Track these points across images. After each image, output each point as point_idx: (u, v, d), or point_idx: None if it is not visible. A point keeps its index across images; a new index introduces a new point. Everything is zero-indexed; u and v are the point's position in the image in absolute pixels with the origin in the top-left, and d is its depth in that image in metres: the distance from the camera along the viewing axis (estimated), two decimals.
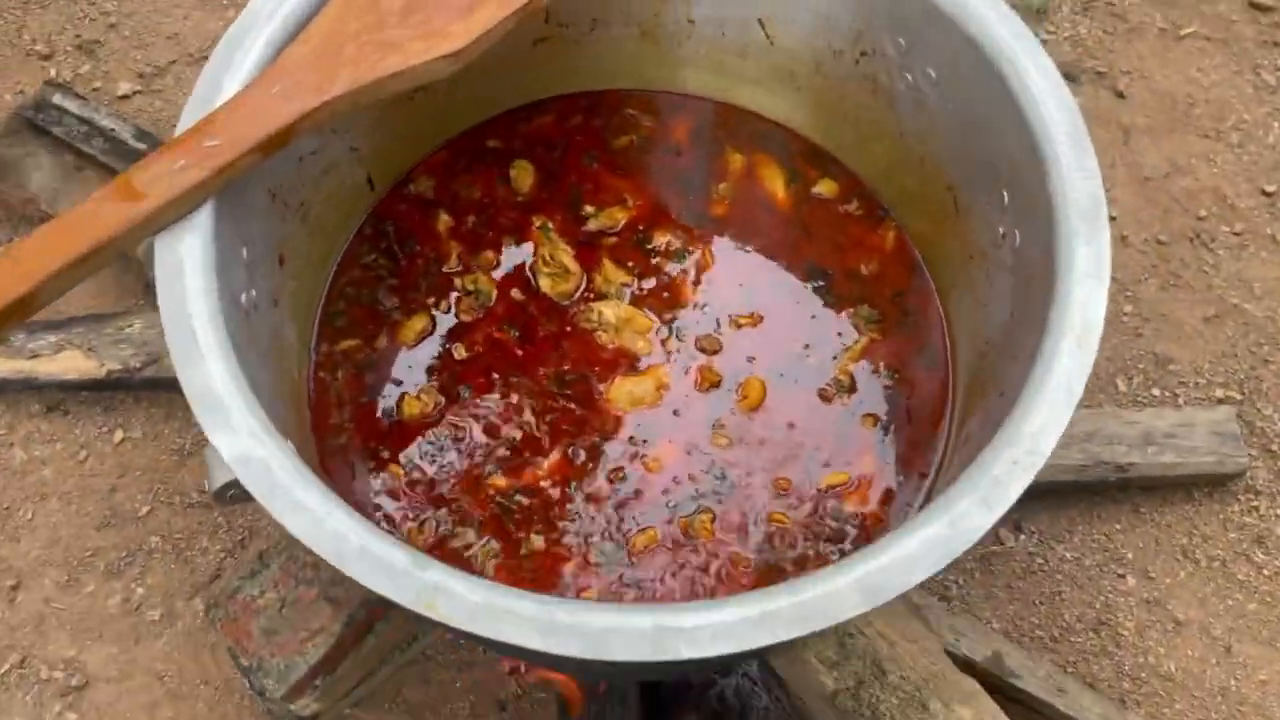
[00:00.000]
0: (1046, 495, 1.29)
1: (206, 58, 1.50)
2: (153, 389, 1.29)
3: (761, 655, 0.94)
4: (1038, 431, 0.70)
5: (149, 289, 1.35)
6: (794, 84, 1.05)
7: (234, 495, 0.72)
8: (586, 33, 1.05)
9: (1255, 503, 1.31)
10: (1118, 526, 1.30)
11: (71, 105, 1.40)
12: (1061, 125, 0.80)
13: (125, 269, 1.36)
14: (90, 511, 1.25)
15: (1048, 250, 0.78)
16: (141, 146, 1.37)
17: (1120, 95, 1.56)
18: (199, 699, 1.17)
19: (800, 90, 1.05)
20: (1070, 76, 1.57)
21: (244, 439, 0.69)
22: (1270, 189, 1.50)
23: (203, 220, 0.76)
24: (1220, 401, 1.36)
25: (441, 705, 1.18)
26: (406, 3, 0.82)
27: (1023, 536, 1.29)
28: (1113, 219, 1.47)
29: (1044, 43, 1.57)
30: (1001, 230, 0.88)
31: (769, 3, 0.99)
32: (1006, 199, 0.87)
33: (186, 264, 0.74)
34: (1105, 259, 0.76)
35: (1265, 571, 1.28)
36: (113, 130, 1.38)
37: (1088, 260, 0.76)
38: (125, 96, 1.47)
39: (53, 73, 1.48)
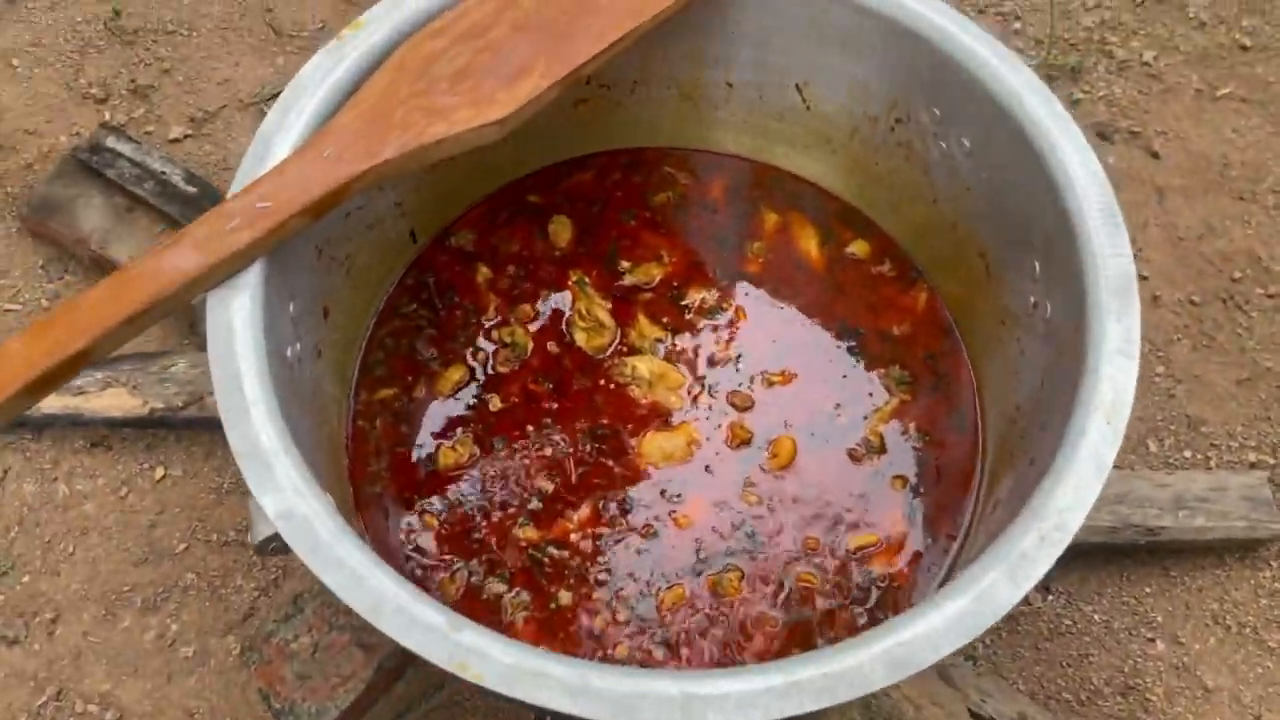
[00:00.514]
0: (1076, 557, 1.29)
1: (256, 103, 1.55)
2: (194, 428, 1.32)
3: None
4: (1065, 508, 0.71)
5: (193, 329, 1.39)
6: (829, 148, 1.07)
7: (275, 548, 0.74)
8: (628, 94, 1.08)
9: None
10: (1147, 590, 1.29)
11: (124, 148, 1.44)
12: (1094, 201, 0.81)
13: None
14: (129, 547, 1.27)
15: (1079, 323, 0.79)
16: (191, 190, 1.41)
17: (1155, 155, 1.57)
18: None
19: (835, 154, 1.07)
20: (1104, 136, 1.58)
21: (289, 496, 0.71)
22: None
23: (252, 279, 0.79)
24: (1253, 465, 1.35)
25: None
26: (456, 70, 0.85)
27: (1051, 597, 1.28)
28: (1145, 279, 1.48)
29: (1077, 102, 1.59)
30: (1033, 299, 0.89)
31: (806, 70, 1.01)
32: (1038, 269, 0.88)
33: (236, 323, 0.76)
34: (1135, 336, 0.76)
35: None
36: (163, 173, 1.42)
37: (1118, 336, 0.76)
38: (176, 140, 1.52)
39: (107, 116, 1.53)
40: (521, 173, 1.11)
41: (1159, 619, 1.28)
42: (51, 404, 1.31)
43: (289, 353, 0.83)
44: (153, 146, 1.47)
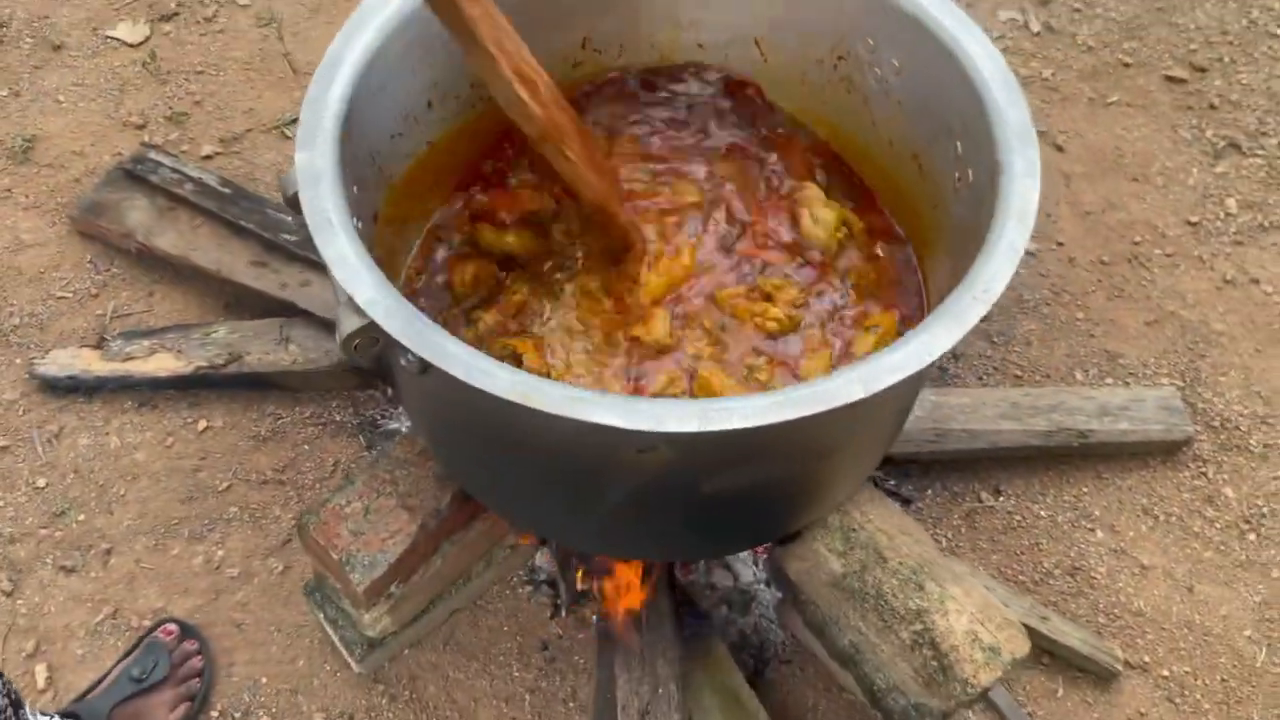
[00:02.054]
0: (1020, 462, 1.47)
1: (278, 127, 1.76)
2: (234, 386, 1.47)
3: (790, 452, 0.99)
4: (990, 277, 0.90)
5: (227, 307, 1.56)
6: (783, 93, 1.29)
7: (358, 345, 0.90)
8: (615, 58, 1.30)
9: (1204, 469, 1.49)
10: (1085, 490, 1.47)
11: (164, 159, 1.64)
12: (996, 75, 1.03)
13: (206, 290, 1.56)
14: (176, 488, 1.41)
15: (992, 169, 1.00)
16: (226, 190, 1.60)
17: (1059, 149, 1.83)
18: (273, 643, 1.30)
19: (790, 100, 1.29)
20: None
21: (371, 290, 0.88)
22: (1194, 219, 1.74)
23: (329, 147, 0.97)
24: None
25: (490, 647, 1.31)
26: None
27: (1002, 498, 1.46)
28: (1061, 245, 1.71)
29: None
30: (957, 176, 1.10)
31: (763, 24, 1.24)
32: (960, 148, 1.09)
33: (324, 173, 0.95)
34: (1035, 163, 0.97)
35: (1217, 525, 1.45)
36: (200, 178, 1.61)
37: (1023, 164, 0.97)
38: (208, 157, 1.71)
39: (146, 139, 1.72)
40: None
41: (1097, 513, 1.45)
42: (103, 369, 1.46)
43: (355, 220, 1.01)
44: (187, 161, 1.66)
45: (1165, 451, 1.50)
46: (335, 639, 1.26)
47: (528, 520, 1.13)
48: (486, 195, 1.25)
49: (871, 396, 0.85)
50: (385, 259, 1.15)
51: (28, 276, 1.57)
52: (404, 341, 0.86)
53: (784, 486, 1.04)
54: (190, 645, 1.27)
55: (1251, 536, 1.44)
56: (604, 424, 0.82)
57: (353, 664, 1.25)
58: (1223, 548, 1.43)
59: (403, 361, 0.90)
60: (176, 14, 1.87)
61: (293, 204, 0.96)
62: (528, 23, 1.21)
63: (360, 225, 1.04)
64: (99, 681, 1.24)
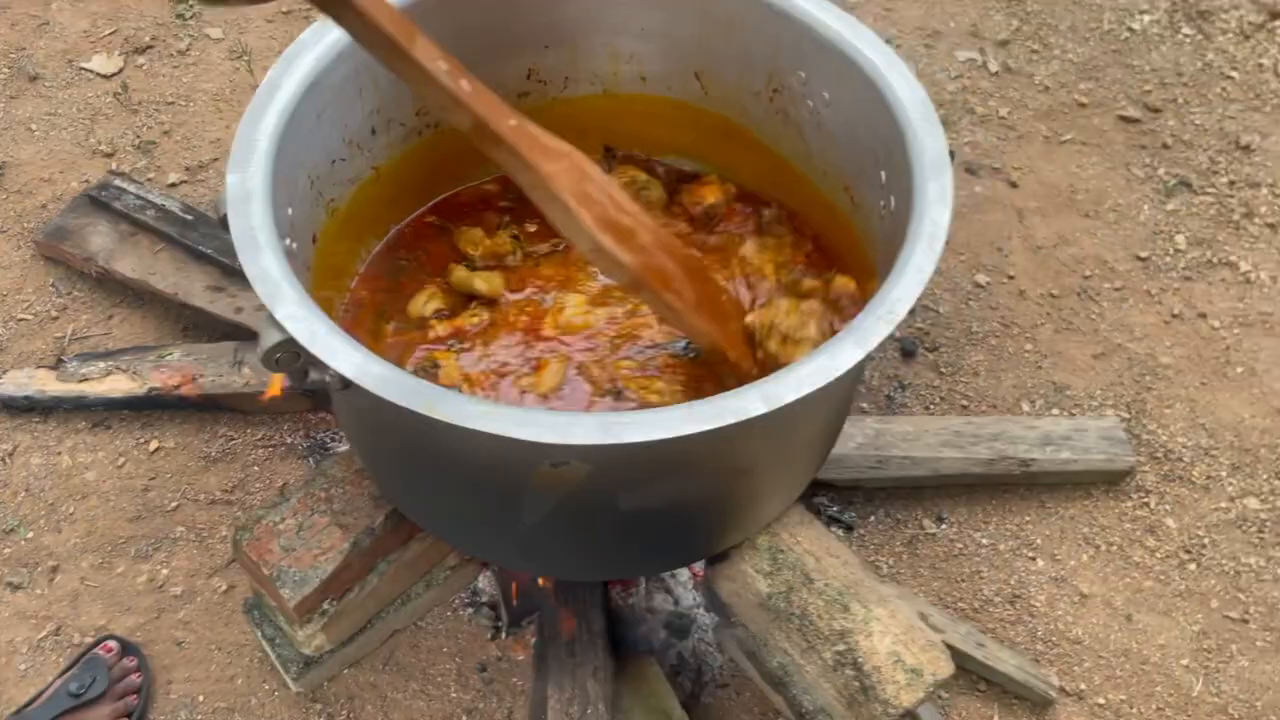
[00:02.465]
0: (963, 490, 1.48)
1: None
2: (185, 407, 1.49)
3: (694, 475, 1.00)
4: (896, 300, 0.92)
5: (184, 331, 1.58)
6: (725, 130, 1.32)
7: (279, 359, 0.92)
8: (560, 89, 1.33)
9: (1146, 500, 1.50)
10: (1027, 518, 1.48)
11: (129, 186, 1.67)
12: (916, 107, 1.06)
13: (165, 314, 1.59)
14: (125, 507, 1.42)
15: (909, 196, 1.03)
16: (188, 216, 1.63)
17: (1014, 185, 1.86)
18: (212, 662, 1.31)
19: (730, 138, 1.32)
20: (970, 171, 1.87)
21: (292, 306, 0.90)
22: (1144, 255, 1.77)
23: (261, 170, 1.00)
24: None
25: (430, 668, 1.32)
26: None
27: (944, 525, 1.47)
28: (1012, 278, 1.73)
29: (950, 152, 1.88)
30: (882, 203, 1.13)
31: (703, 56, 1.27)
32: (884, 177, 1.12)
33: (254, 193, 0.97)
34: (948, 190, 1.00)
35: (1158, 555, 1.46)
36: (163, 204, 1.64)
37: (936, 191, 1.00)
38: (174, 184, 1.75)
39: (114, 166, 1.76)
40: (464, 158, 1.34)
41: (1038, 541, 1.46)
42: (59, 389, 1.48)
43: (288, 240, 1.03)
44: (153, 188, 1.70)
45: (1108, 482, 1.51)
46: (273, 657, 1.27)
47: (455, 536, 1.15)
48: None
49: (777, 413, 0.87)
50: (328, 278, 1.18)
51: None
52: (315, 353, 0.88)
53: (705, 504, 1.05)
54: (129, 662, 1.28)
55: (1192, 566, 1.45)
56: (506, 436, 0.84)
57: (289, 682, 1.26)
58: (1162, 577, 1.44)
59: (326, 378, 0.93)
60: (151, 47, 1.92)
61: (224, 224, 0.99)
62: (472, 54, 1.24)
63: (295, 245, 1.07)
64: (38, 696, 1.25)
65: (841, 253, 1.24)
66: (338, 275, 1.21)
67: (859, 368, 0.91)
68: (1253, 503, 1.50)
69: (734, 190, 1.31)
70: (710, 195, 1.29)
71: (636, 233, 1.00)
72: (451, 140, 1.31)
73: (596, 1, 1.24)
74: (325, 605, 1.17)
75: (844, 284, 1.16)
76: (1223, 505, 1.50)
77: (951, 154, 1.06)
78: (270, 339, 0.91)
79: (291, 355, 0.92)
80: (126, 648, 1.29)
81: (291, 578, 1.13)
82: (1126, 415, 1.58)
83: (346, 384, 0.90)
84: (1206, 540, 1.47)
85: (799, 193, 1.28)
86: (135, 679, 1.27)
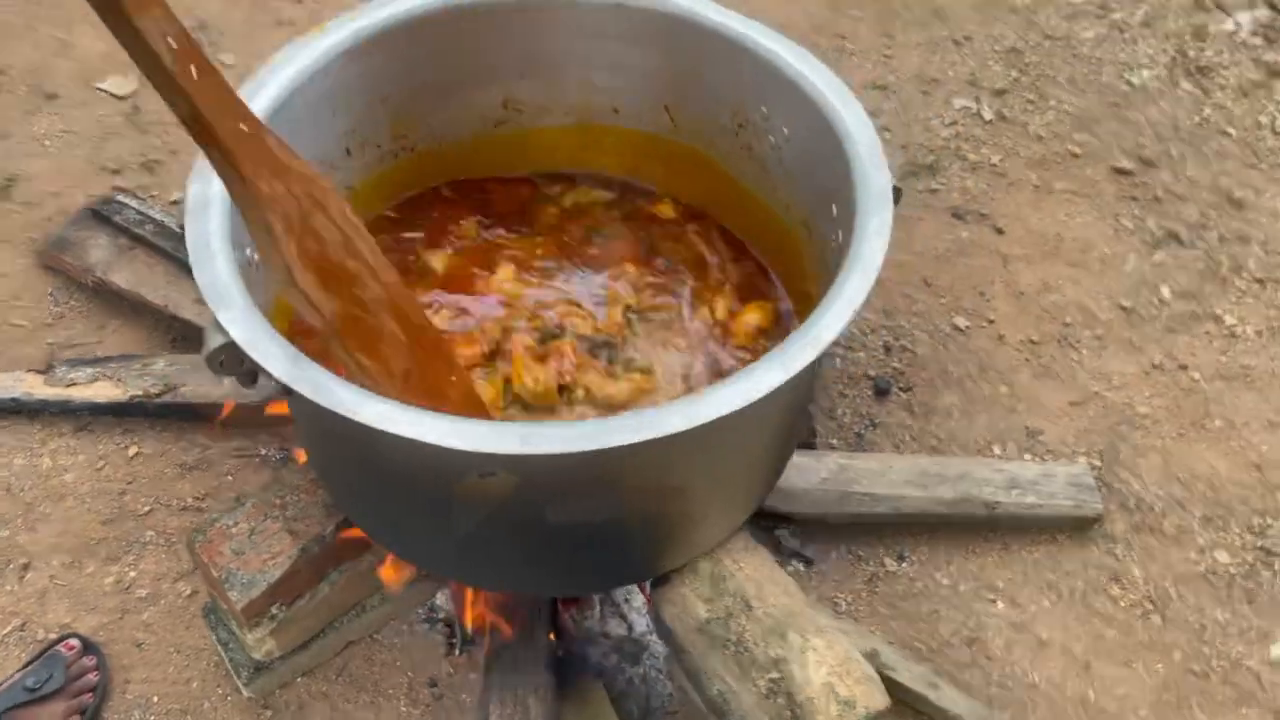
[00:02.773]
0: (927, 530, 1.48)
1: None
2: (166, 415, 1.53)
3: (615, 485, 0.99)
4: (824, 327, 0.94)
5: (174, 343, 1.63)
6: (694, 161, 1.35)
7: (223, 362, 0.95)
8: (536, 118, 1.37)
9: (1113, 548, 1.49)
10: (990, 560, 1.48)
11: (131, 202, 1.73)
12: (864, 142, 1.08)
13: (156, 326, 1.63)
14: (100, 510, 1.46)
15: (852, 228, 1.04)
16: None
17: (1000, 231, 1.87)
18: (170, 664, 1.34)
19: (700, 169, 1.35)
20: (958, 216, 1.88)
21: (234, 311, 0.93)
22: (1127, 304, 1.77)
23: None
24: None
25: (382, 681, 1.33)
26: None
27: (905, 564, 1.47)
28: (991, 322, 1.74)
29: (935, 191, 1.90)
30: (834, 237, 1.14)
31: (671, 90, 1.31)
32: (835, 210, 1.14)
33: (213, 203, 1.01)
34: (888, 224, 1.02)
35: (1121, 604, 1.44)
36: (162, 220, 1.69)
37: (877, 225, 1.02)
38: (175, 202, 1.80)
39: (119, 183, 1.82)
40: (445, 179, 1.38)
41: (1000, 584, 1.45)
42: (46, 392, 1.53)
43: (248, 250, 1.07)
44: (156, 205, 1.75)
45: (1075, 528, 1.50)
46: (226, 661, 1.29)
47: (396, 545, 1.16)
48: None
49: (700, 431, 0.88)
50: None
51: None
52: (253, 356, 0.91)
53: (639, 522, 1.06)
54: (89, 661, 1.31)
55: (1155, 618, 1.43)
56: (426, 442, 0.86)
57: (241, 687, 1.28)
58: (1125, 627, 1.42)
59: (272, 382, 0.96)
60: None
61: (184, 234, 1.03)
62: (448, 82, 1.30)
63: (257, 257, 1.10)
64: None
65: (794, 282, 1.26)
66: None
67: (787, 392, 0.92)
68: (1223, 556, 1.49)
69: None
70: (665, 213, 1.34)
71: (360, 282, 0.94)
72: (430, 163, 1.36)
73: (571, 34, 1.28)
74: (274, 610, 1.20)
75: (752, 317, 1.19)
76: (1192, 557, 1.49)
77: (897, 190, 1.07)
78: (213, 342, 0.94)
79: (234, 359, 0.95)
80: (88, 647, 1.32)
81: (240, 580, 1.16)
82: (1099, 463, 1.58)
83: (288, 390, 0.93)
84: (1173, 592, 1.45)
85: (761, 224, 1.31)
86: (92, 678, 1.29)
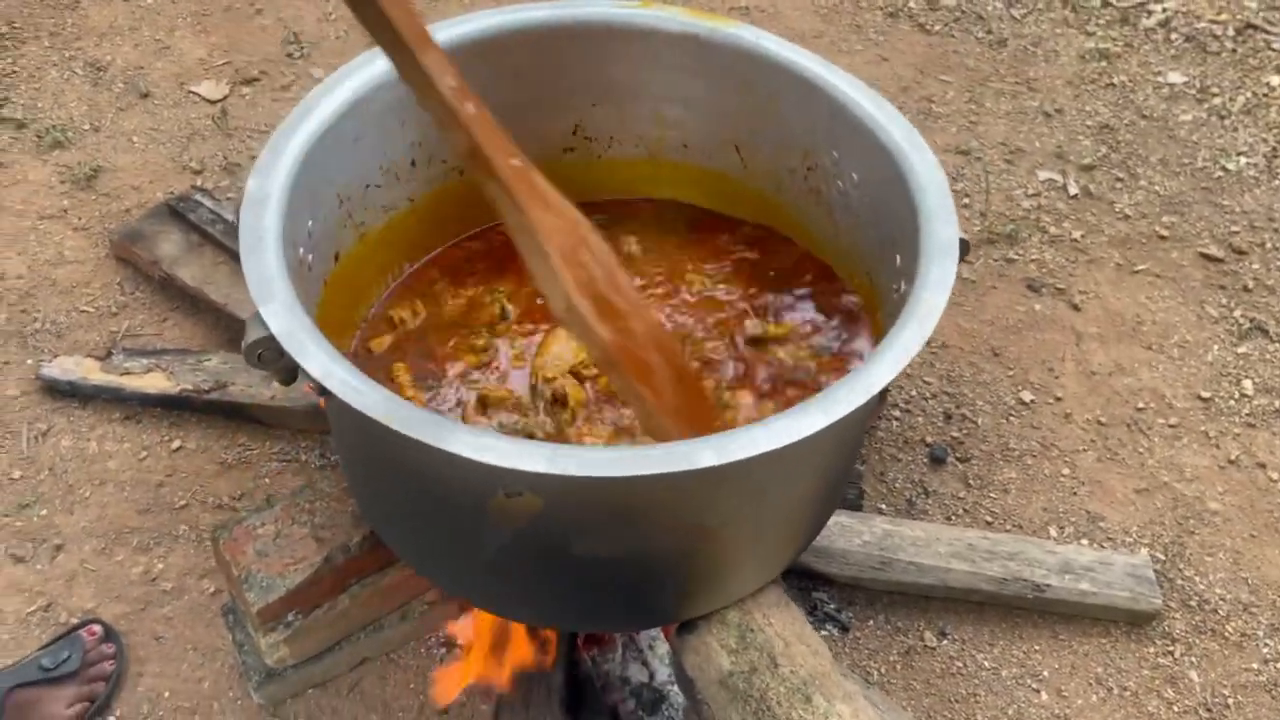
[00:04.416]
0: (974, 607, 1.41)
1: None
2: (212, 411, 1.53)
3: (643, 518, 0.96)
4: (871, 376, 0.90)
5: (231, 343, 1.64)
6: (761, 202, 1.32)
7: (261, 355, 0.94)
8: (605, 148, 1.36)
9: (1171, 648, 1.41)
10: (1037, 647, 1.40)
11: (206, 201, 1.75)
12: (934, 192, 1.05)
13: (215, 324, 1.65)
14: (137, 499, 1.46)
15: (914, 279, 1.01)
16: None
17: (1076, 308, 1.80)
18: (185, 661, 1.32)
19: (766, 208, 1.32)
20: (1032, 288, 1.82)
21: (276, 304, 0.93)
22: (1206, 394, 1.69)
23: (284, 179, 1.04)
24: None
25: (393, 701, 1.30)
26: None
27: (946, 641, 1.40)
28: (1059, 399, 1.67)
29: (1011, 261, 1.85)
30: (895, 287, 1.11)
31: (743, 130, 1.29)
32: (899, 261, 1.10)
33: (271, 198, 1.01)
34: (950, 275, 0.98)
35: (1175, 708, 1.35)
36: (234, 221, 1.72)
37: (938, 275, 0.98)
38: None
39: (199, 183, 1.85)
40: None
41: (1045, 673, 1.38)
42: (100, 379, 1.55)
43: (301, 250, 1.07)
44: (231, 206, 1.78)
45: (1131, 622, 1.42)
46: (240, 664, 1.27)
47: (420, 563, 1.14)
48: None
49: (732, 469, 0.85)
50: (346, 295, 1.21)
51: (60, 288, 1.69)
52: (289, 350, 0.90)
53: (666, 562, 1.03)
54: (108, 649, 1.30)
55: None
56: (453, 453, 0.83)
57: (251, 691, 1.26)
58: None
59: (309, 383, 0.94)
60: (257, 79, 2.03)
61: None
62: (522, 102, 1.30)
63: (310, 257, 1.10)
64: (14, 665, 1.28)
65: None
66: (359, 294, 1.24)
67: (829, 439, 0.88)
68: None
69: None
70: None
71: (626, 316, 0.94)
72: None
73: (644, 66, 1.27)
74: (290, 617, 1.18)
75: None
76: (1254, 666, 1.39)
77: (965, 244, 1.04)
78: (254, 334, 0.94)
79: (273, 353, 0.94)
80: (109, 634, 1.31)
81: (259, 582, 1.14)
82: (1162, 556, 1.49)
83: (324, 391, 0.91)
84: (1231, 701, 1.36)
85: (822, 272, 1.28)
86: (108, 666, 1.29)
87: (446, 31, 1.20)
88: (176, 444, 1.52)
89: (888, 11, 2.35)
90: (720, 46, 1.23)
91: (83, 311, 1.66)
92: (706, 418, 1.01)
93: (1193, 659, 1.40)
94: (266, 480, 1.49)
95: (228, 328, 1.64)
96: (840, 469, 1.13)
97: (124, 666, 1.30)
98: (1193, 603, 1.45)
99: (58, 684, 1.25)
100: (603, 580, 1.04)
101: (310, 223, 1.10)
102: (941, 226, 1.03)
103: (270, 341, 0.92)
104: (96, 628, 1.31)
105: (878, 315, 1.16)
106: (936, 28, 2.32)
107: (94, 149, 1.90)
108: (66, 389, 1.55)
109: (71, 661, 1.26)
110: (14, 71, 2.02)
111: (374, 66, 1.16)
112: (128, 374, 1.55)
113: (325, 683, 1.30)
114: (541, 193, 0.93)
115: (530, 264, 0.93)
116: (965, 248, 1.04)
